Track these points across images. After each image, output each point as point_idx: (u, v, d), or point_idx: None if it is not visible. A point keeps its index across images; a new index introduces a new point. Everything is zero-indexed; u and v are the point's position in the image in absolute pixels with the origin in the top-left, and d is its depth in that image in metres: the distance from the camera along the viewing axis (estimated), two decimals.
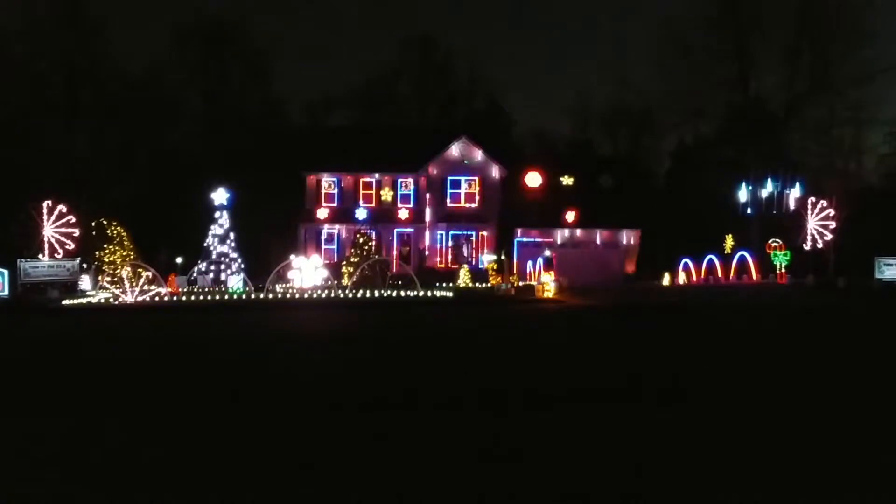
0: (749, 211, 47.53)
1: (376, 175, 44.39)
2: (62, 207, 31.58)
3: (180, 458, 7.06)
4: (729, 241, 42.57)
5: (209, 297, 29.38)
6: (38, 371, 12.78)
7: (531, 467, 6.57)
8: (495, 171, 43.66)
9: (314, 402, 9.65)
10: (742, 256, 39.36)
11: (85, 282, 32.79)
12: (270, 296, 28.91)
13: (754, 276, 38.01)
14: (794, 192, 44.99)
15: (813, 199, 38.98)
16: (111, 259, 36.55)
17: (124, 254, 37.00)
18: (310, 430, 8.06)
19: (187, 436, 7.97)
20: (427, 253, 43.40)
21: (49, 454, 7.24)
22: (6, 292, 28.50)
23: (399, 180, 44.52)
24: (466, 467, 6.56)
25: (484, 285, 33.63)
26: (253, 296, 29.49)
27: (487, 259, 40.35)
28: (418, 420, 8.54)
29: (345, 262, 37.12)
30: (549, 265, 30.13)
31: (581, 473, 6.41)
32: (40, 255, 30.83)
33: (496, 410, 8.95)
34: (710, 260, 39.47)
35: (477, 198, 43.65)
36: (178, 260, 37.68)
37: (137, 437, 7.92)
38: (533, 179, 45.42)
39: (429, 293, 29.73)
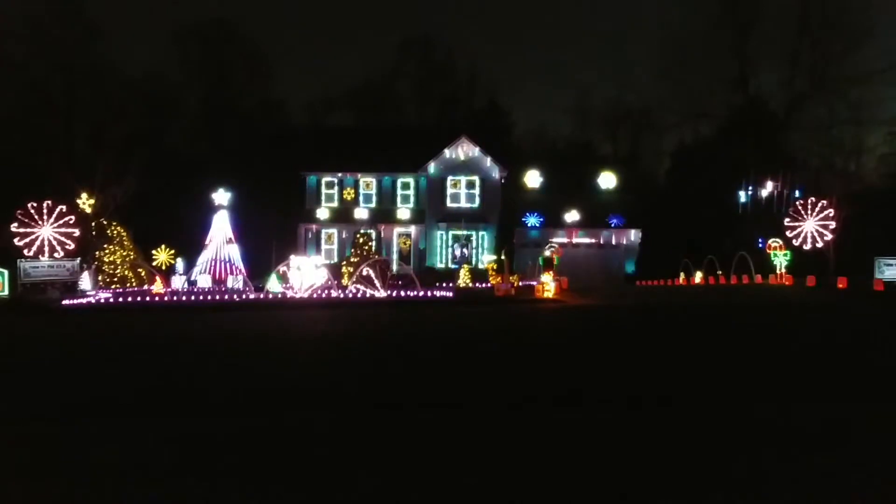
0: (749, 211, 47.55)
1: (376, 175, 44.41)
2: (62, 207, 31.56)
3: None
4: (729, 242, 42.53)
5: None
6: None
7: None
8: (495, 171, 43.66)
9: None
10: (742, 256, 39.30)
11: (85, 281, 32.79)
12: (271, 296, 29.00)
13: (754, 277, 37.97)
14: (794, 192, 45.02)
15: (813, 199, 38.97)
16: (111, 259, 36.64)
17: (124, 254, 37.07)
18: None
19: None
20: (427, 253, 43.43)
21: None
22: (6, 292, 28.51)
23: (399, 180, 44.54)
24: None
25: (484, 285, 33.68)
26: (252, 296, 29.53)
27: (487, 259, 40.40)
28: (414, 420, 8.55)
29: (345, 262, 37.21)
30: (548, 265, 30.03)
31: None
32: (40, 256, 30.80)
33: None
34: (711, 260, 39.43)
35: (477, 198, 43.66)
36: (178, 260, 37.69)
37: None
38: (533, 179, 45.45)
39: (429, 293, 29.82)
